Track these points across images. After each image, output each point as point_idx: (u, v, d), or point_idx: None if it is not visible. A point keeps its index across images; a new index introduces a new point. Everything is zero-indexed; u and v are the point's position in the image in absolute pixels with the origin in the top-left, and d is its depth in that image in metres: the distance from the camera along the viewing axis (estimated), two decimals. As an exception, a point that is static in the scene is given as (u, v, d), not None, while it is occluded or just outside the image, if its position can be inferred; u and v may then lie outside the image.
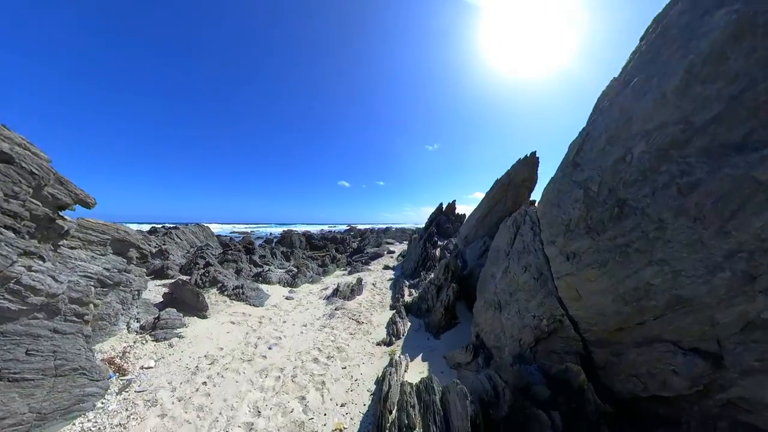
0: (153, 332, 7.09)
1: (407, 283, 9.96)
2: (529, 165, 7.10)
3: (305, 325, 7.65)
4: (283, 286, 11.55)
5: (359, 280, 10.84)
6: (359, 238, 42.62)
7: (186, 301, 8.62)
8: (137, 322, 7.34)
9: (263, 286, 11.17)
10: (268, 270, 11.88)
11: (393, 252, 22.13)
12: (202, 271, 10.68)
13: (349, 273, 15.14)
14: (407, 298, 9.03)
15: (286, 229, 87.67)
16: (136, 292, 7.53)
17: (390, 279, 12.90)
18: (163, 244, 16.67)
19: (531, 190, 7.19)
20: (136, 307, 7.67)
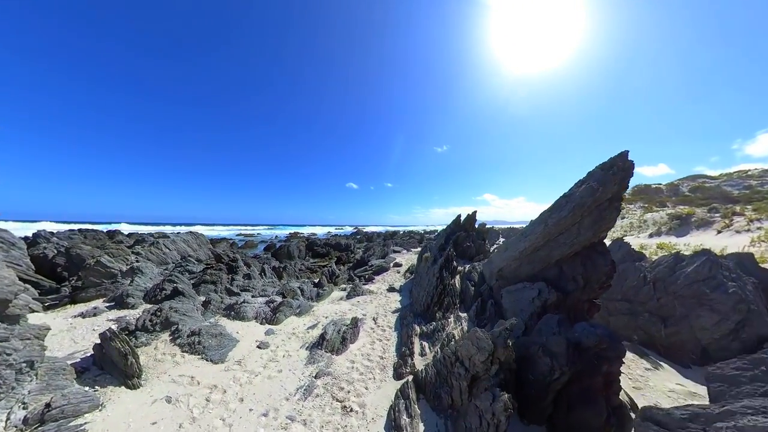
0: (40, 427, 4.79)
1: (417, 329, 7.36)
2: (619, 175, 4.31)
3: (266, 414, 5.16)
4: (261, 322, 9.16)
5: (355, 321, 8.31)
6: (365, 243, 40.25)
7: (115, 362, 6.32)
8: (23, 408, 5.05)
9: (234, 326, 8.81)
10: (243, 302, 9.50)
11: (400, 265, 19.52)
12: (155, 308, 8.38)
13: (348, 296, 12.67)
14: (418, 359, 6.44)
15: (292, 231, 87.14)
16: (25, 364, 5.23)
17: (395, 310, 10.32)
18: (136, 261, 14.63)
19: (619, 212, 4.46)
20: (31, 382, 5.36)
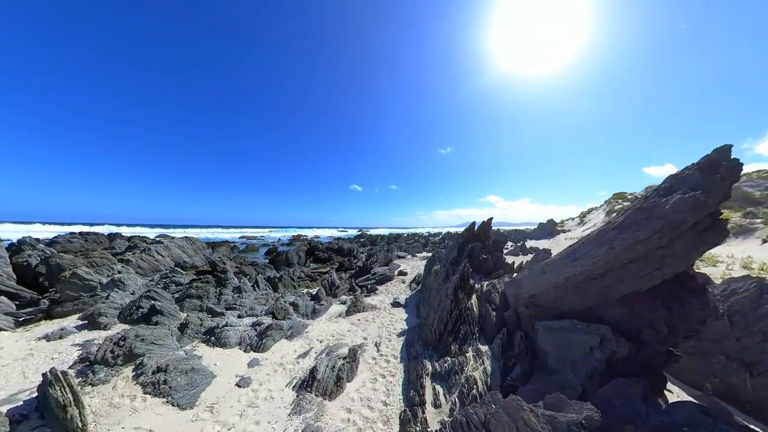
0: None
1: (429, 367, 6.02)
2: (727, 180, 2.98)
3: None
4: (245, 350, 7.90)
5: (353, 353, 7.00)
6: (368, 248, 38.96)
7: (54, 411, 5.11)
8: None
9: (213, 355, 7.57)
10: (226, 326, 8.25)
11: (405, 273, 18.19)
12: (119, 336, 7.18)
13: (348, 312, 11.40)
14: (430, 411, 5.10)
15: (296, 233, 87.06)
16: None
17: (401, 333, 8.99)
18: (118, 272, 13.52)
19: (726, 235, 3.11)
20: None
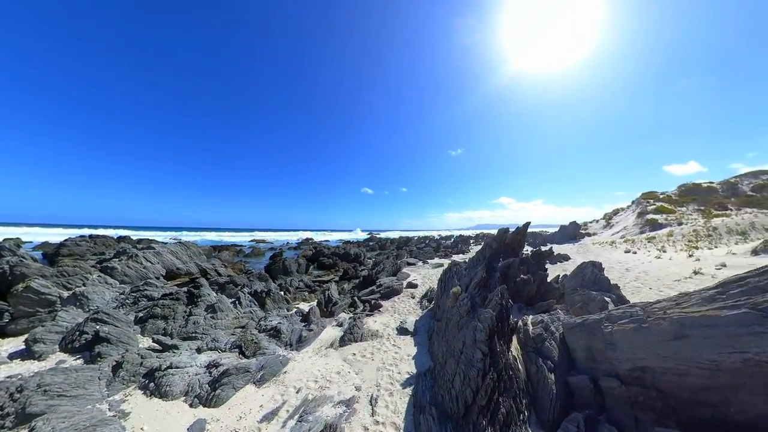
0: None
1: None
2: None
3: None
4: (192, 403, 5.76)
5: (335, 429, 4.70)
6: (377, 252, 36.74)
7: None
8: None
9: (146, 411, 5.46)
10: (169, 368, 6.14)
11: (414, 286, 15.75)
12: (17, 385, 5.19)
13: (342, 340, 9.18)
14: None
15: (305, 237, 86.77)
16: None
17: (407, 382, 6.62)
18: (83, 285, 11.85)
19: None
20: None
